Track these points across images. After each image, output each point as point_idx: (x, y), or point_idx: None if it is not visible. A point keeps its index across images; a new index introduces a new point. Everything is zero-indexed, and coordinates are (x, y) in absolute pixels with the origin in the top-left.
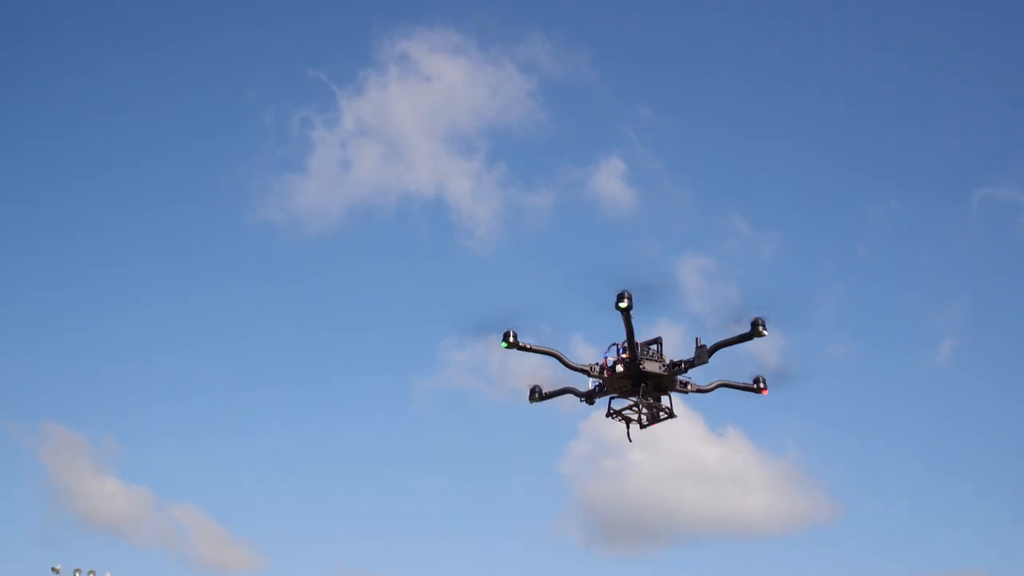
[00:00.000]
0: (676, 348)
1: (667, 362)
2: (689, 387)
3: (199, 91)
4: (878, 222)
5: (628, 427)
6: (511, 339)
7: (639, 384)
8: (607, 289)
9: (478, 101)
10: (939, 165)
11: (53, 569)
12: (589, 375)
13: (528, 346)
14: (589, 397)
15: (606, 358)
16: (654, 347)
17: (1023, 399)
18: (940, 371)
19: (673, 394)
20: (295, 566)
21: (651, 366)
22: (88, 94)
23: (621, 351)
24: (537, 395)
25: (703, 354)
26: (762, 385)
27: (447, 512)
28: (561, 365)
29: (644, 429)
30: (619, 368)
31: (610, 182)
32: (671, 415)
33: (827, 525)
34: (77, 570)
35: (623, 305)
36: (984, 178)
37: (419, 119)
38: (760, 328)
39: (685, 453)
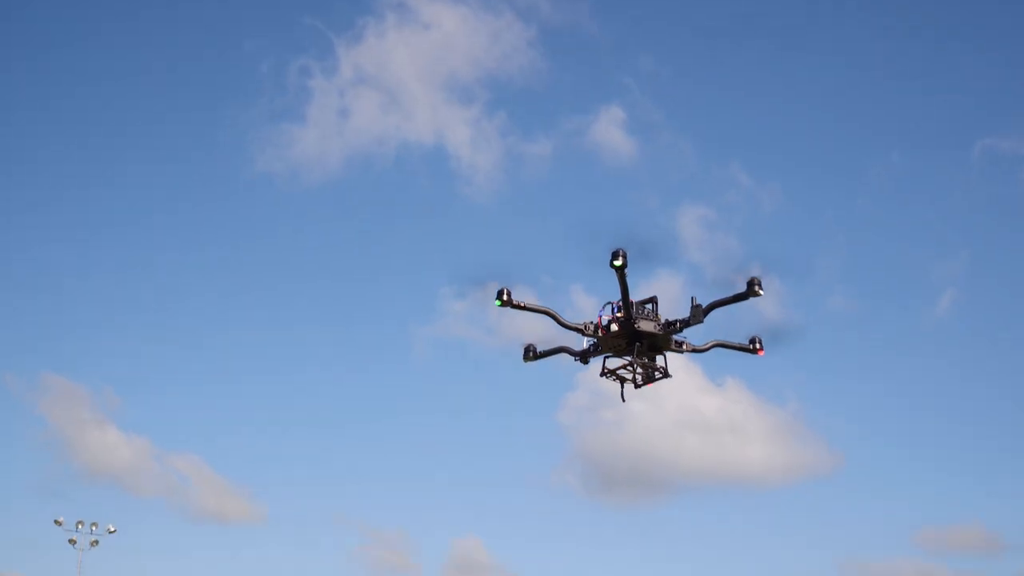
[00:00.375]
0: (674, 302)
1: (662, 321)
2: (685, 347)
3: (195, 41)
4: (879, 174)
5: (623, 387)
6: (505, 297)
7: (634, 344)
8: (607, 241)
9: (477, 50)
10: (941, 116)
11: (56, 522)
12: (583, 334)
13: (522, 304)
14: (583, 356)
15: (600, 317)
16: (649, 306)
17: (1022, 350)
18: (940, 322)
19: (668, 353)
20: (294, 516)
21: (646, 325)
22: (83, 46)
23: (616, 310)
24: (531, 354)
25: (698, 314)
26: (758, 346)
27: (447, 461)
28: (555, 323)
29: (639, 389)
30: (613, 327)
31: (610, 131)
32: (666, 375)
33: (827, 476)
34: (79, 522)
35: (617, 263)
36: (985, 129)
37: (418, 67)
38: (756, 288)
39: (684, 404)
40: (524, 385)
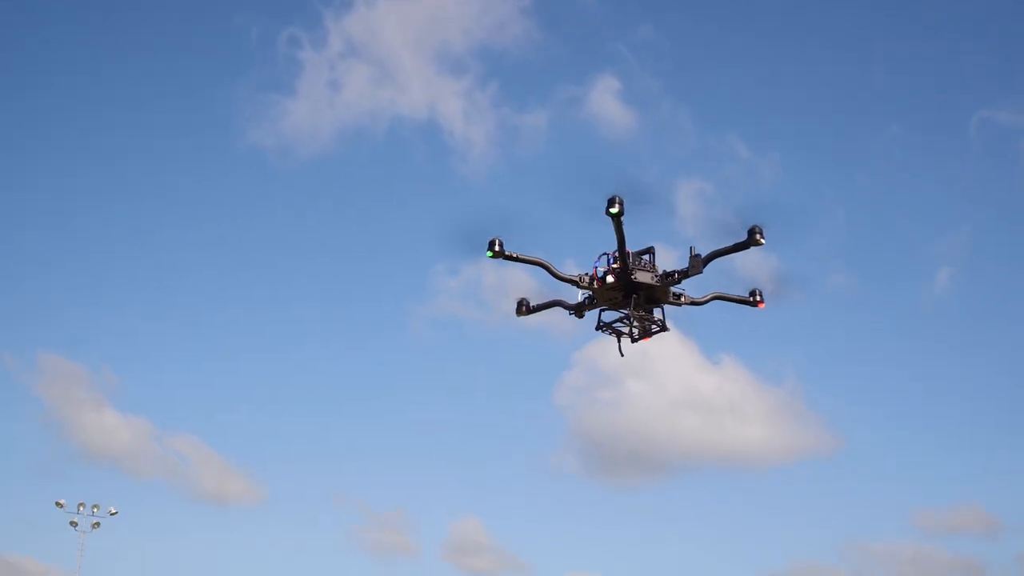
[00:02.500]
0: (672, 264)
1: (660, 272)
2: (683, 299)
3: (183, 12)
4: (878, 147)
5: (619, 341)
6: (496, 247)
7: (630, 296)
8: (596, 200)
9: (468, 19)
10: (938, 88)
11: (57, 504)
12: (578, 286)
13: (514, 255)
14: (578, 310)
15: (596, 268)
16: (647, 257)
17: (1021, 327)
18: (940, 300)
19: (666, 307)
20: (294, 495)
21: (643, 276)
22: (70, 22)
23: (612, 261)
24: (525, 308)
25: (697, 264)
26: (759, 298)
27: (444, 440)
28: (549, 278)
29: (636, 343)
30: (609, 279)
31: (605, 100)
32: (663, 328)
33: (827, 457)
34: (80, 504)
35: (614, 210)
36: (982, 101)
37: (408, 38)
38: (757, 236)
39: (680, 382)
40: (520, 364)
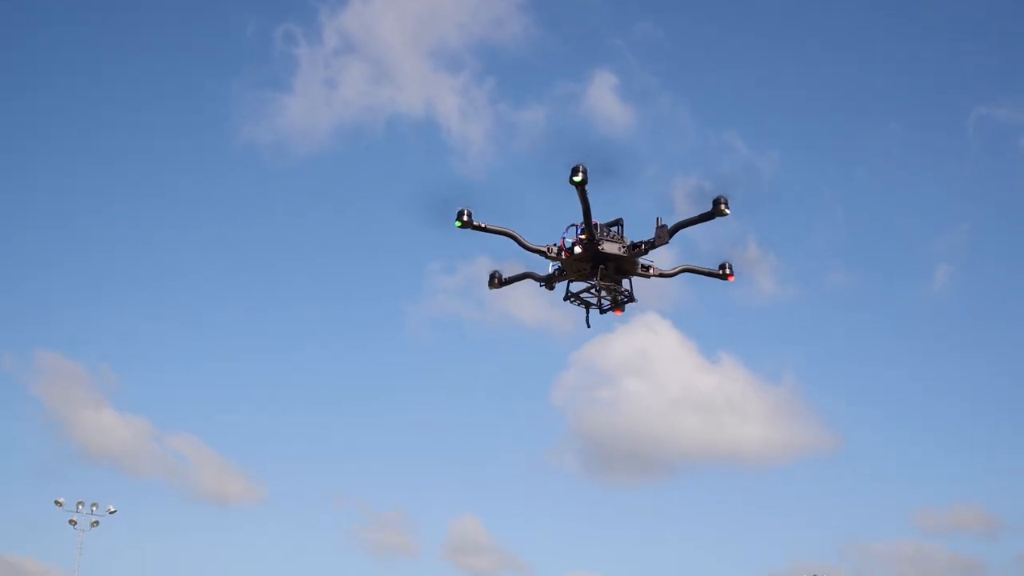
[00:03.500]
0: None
1: (627, 243)
2: (651, 271)
3: (179, 7)
4: (877, 145)
5: (587, 311)
6: (465, 218)
7: (598, 266)
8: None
9: (465, 15)
10: (938, 85)
11: (56, 502)
12: (547, 256)
13: (483, 225)
14: (548, 282)
15: (564, 238)
16: (615, 229)
17: (1021, 326)
18: (939, 299)
19: (635, 279)
20: (294, 495)
21: (610, 247)
22: (68, 21)
23: (580, 232)
24: (496, 281)
25: (664, 235)
26: (728, 271)
27: (443, 440)
28: (520, 252)
29: (604, 314)
30: (577, 250)
31: (603, 96)
32: (631, 299)
33: (828, 456)
34: (80, 503)
35: (577, 179)
36: (980, 98)
37: (405, 34)
38: (722, 207)
39: (679, 381)
40: (518, 364)
